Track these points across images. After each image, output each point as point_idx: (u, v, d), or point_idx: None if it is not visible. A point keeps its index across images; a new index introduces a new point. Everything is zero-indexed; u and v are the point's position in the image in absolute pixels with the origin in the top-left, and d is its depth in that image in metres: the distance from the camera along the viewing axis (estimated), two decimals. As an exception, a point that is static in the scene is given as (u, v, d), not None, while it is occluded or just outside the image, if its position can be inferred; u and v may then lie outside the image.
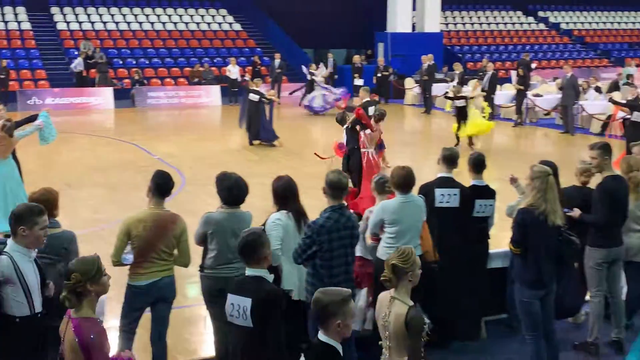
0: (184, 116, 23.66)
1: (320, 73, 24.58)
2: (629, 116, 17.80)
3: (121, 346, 5.42)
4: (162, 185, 5.58)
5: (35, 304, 4.57)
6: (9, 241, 4.60)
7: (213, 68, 28.21)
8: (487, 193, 6.71)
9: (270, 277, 4.53)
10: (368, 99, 13.56)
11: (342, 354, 3.75)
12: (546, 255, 5.55)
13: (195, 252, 5.82)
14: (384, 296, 4.37)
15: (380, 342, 4.23)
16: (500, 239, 7.18)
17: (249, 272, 4.48)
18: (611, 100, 14.75)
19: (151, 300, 5.61)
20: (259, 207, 8.87)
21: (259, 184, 10.91)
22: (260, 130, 17.10)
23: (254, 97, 17.14)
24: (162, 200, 5.62)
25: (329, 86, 24.15)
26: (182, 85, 27.08)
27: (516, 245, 5.70)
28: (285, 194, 5.74)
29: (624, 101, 14.78)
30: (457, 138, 16.59)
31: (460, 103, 16.51)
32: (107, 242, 6.19)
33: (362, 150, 10.99)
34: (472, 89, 17.99)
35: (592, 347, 6.45)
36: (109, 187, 12.88)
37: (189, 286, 7.75)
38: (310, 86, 23.79)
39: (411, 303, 4.29)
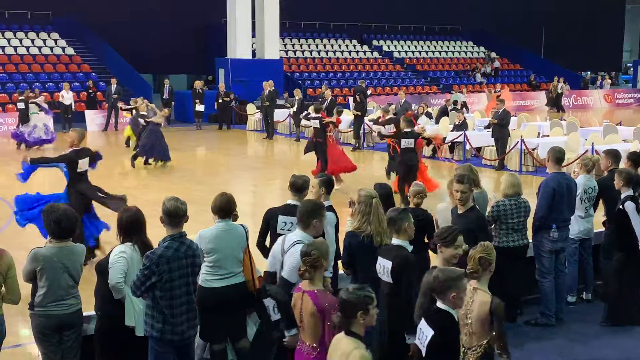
0: (14, 144, 22.35)
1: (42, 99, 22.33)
2: (458, 140, 19.02)
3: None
4: None
5: None
6: (300, 232, 5.48)
7: (45, 94, 26.91)
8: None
9: (409, 247, 5.51)
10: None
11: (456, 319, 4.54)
12: (375, 275, 5.74)
13: (26, 287, 5.49)
14: None
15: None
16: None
17: (394, 241, 5.56)
18: (379, 135, 15.43)
19: (-24, 342, 5.22)
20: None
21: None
22: (163, 149, 17.43)
23: (142, 121, 17.43)
24: None
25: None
26: (10, 112, 25.59)
27: (345, 267, 6.04)
28: (131, 226, 5.54)
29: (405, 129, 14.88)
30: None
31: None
32: None
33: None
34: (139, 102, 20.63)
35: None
36: None
37: (21, 324, 7.28)
38: (25, 114, 21.08)
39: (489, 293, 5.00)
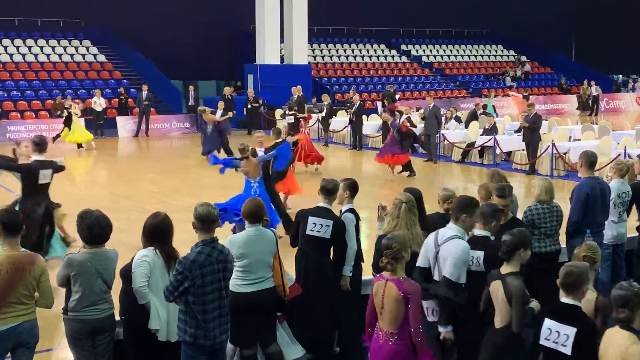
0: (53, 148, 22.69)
1: None
2: (488, 144, 18.88)
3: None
4: (9, 224, 5.27)
5: None
6: (453, 225, 5.65)
7: (77, 100, 27.28)
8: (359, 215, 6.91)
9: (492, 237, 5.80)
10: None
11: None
12: None
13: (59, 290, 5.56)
14: None
15: None
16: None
17: (478, 232, 5.84)
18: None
19: (10, 346, 5.30)
20: (128, 244, 8.60)
21: (126, 219, 10.60)
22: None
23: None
24: (16, 240, 5.31)
25: None
26: (43, 119, 25.98)
27: (376, 270, 6.00)
28: (153, 233, 5.59)
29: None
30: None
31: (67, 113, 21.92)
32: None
33: None
34: (75, 109, 22.28)
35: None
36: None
37: (54, 328, 7.36)
38: None
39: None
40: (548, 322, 4.62)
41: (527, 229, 6.75)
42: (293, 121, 19.11)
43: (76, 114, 21.97)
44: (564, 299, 4.65)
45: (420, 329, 4.96)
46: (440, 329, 5.46)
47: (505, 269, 5.19)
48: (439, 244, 5.58)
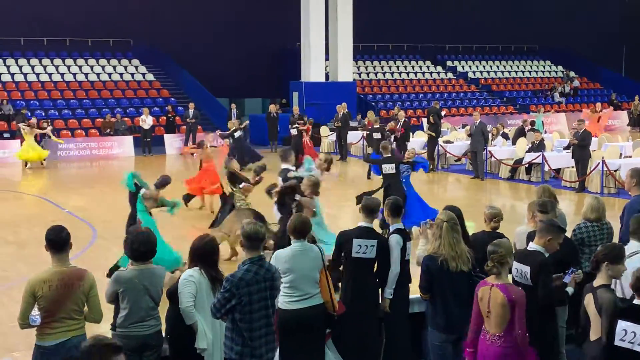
0: (95, 168, 23.13)
1: None
2: (536, 161, 18.60)
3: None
4: (53, 240, 5.32)
5: None
6: (636, 242, 5.91)
7: (126, 118, 27.79)
8: (408, 236, 6.82)
9: (546, 253, 5.81)
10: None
11: None
12: (454, 301, 5.66)
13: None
14: None
15: None
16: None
17: (531, 246, 5.94)
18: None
19: (60, 361, 5.37)
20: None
21: (178, 237, 10.72)
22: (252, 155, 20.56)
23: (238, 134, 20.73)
24: (64, 256, 5.37)
25: None
26: (93, 137, 26.53)
27: (423, 292, 5.96)
28: (199, 254, 5.64)
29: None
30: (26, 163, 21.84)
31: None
32: (16, 301, 5.90)
33: None
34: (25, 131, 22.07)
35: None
36: (17, 244, 12.36)
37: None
38: None
39: None
40: (623, 324, 4.69)
41: (576, 247, 6.65)
42: (297, 133, 21.50)
43: (25, 133, 21.81)
44: (637, 300, 4.72)
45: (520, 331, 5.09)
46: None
47: (597, 281, 5.21)
48: None
